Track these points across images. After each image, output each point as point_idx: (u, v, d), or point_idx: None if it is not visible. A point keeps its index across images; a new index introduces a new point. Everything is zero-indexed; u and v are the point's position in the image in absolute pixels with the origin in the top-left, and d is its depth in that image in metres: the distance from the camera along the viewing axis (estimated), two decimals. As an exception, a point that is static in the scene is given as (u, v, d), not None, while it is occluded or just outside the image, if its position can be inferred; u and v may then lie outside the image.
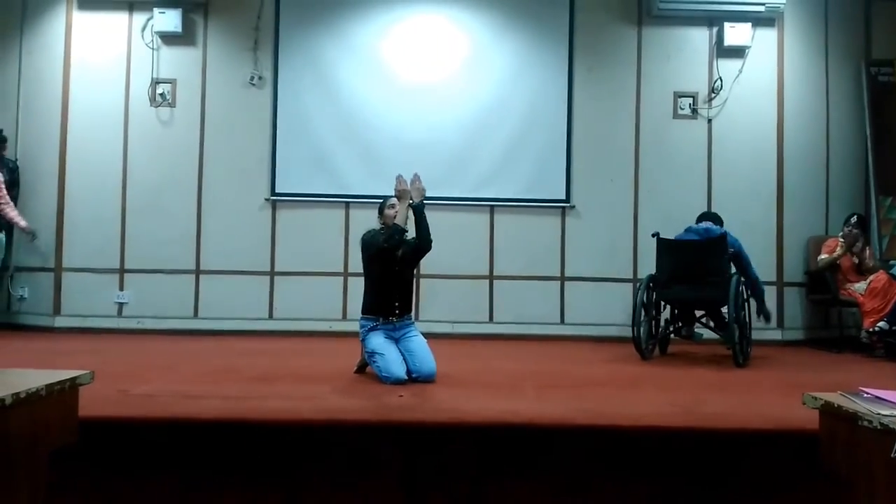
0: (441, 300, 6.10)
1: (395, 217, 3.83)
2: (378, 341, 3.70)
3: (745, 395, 3.49)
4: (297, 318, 6.02)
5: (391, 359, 3.62)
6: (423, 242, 3.85)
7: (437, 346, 5.21)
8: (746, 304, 4.80)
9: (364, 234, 3.92)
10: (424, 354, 3.71)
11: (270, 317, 6.11)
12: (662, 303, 5.03)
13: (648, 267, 5.71)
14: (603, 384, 3.77)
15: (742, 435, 2.72)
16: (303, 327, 5.96)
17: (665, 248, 4.88)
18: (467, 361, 4.61)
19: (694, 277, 4.72)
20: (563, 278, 6.23)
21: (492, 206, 6.23)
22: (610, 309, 6.15)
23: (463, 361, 4.60)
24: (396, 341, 3.75)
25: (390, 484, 2.64)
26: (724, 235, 4.73)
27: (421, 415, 2.83)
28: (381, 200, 4.05)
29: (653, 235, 4.97)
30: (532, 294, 6.19)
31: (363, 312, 3.84)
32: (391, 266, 3.78)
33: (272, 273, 6.14)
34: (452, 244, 6.13)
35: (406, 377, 3.58)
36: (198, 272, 6.10)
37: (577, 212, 6.24)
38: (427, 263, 6.11)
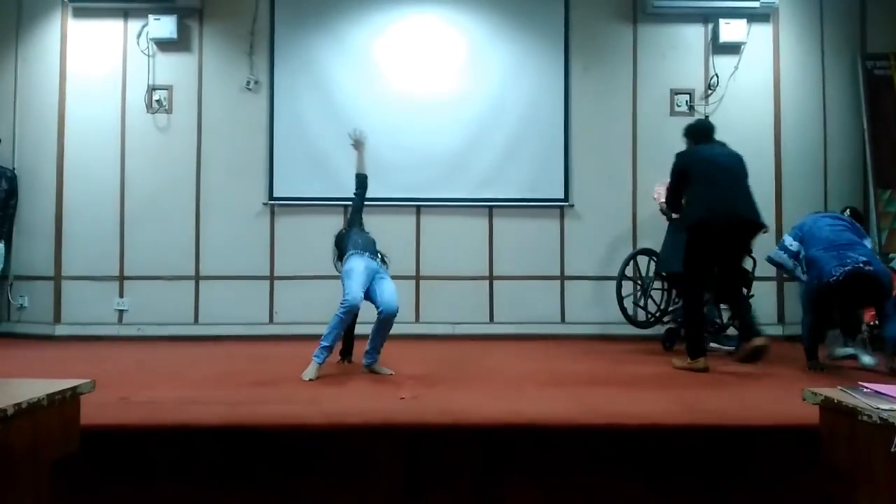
0: (441, 302, 6.11)
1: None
2: (356, 263, 3.95)
3: (745, 392, 3.49)
4: (297, 322, 6.02)
5: (357, 281, 3.85)
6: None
7: (438, 348, 5.26)
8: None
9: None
10: (392, 294, 3.97)
11: (271, 321, 6.12)
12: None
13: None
14: (604, 383, 3.76)
15: (744, 431, 2.72)
16: (303, 331, 5.94)
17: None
18: (469, 362, 4.61)
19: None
20: (562, 277, 6.23)
21: (490, 207, 6.23)
22: (610, 307, 6.14)
23: (464, 362, 4.60)
24: (372, 278, 4.00)
25: (393, 486, 2.64)
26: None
27: (423, 416, 2.82)
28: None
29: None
30: (532, 294, 6.19)
31: (348, 250, 4.08)
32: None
33: (272, 277, 6.14)
34: (452, 245, 6.15)
35: (360, 300, 3.85)
36: (197, 278, 6.11)
37: (576, 211, 6.25)
38: (427, 265, 6.16)
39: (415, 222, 6.19)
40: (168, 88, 6.20)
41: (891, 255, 5.82)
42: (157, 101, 6.17)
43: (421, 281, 6.15)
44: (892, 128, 6.20)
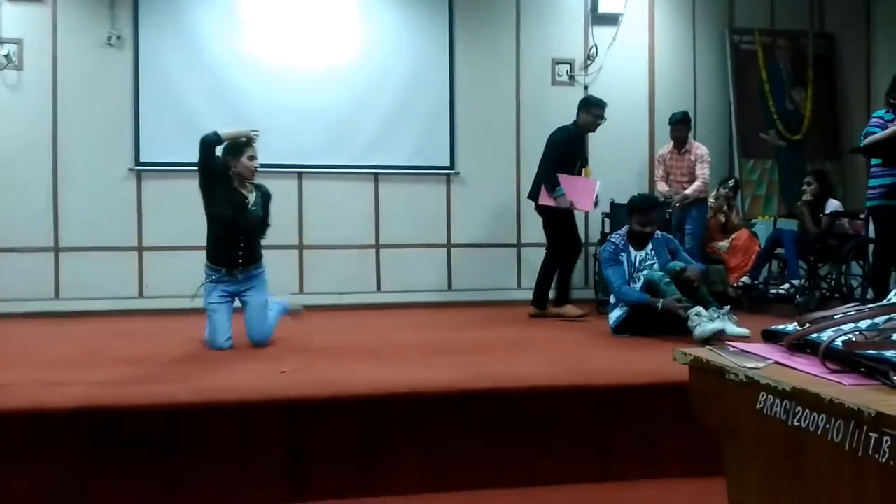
0: (327, 271, 5.97)
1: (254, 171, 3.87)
2: (213, 298, 3.68)
3: (623, 352, 3.63)
4: (169, 296, 5.68)
5: (218, 325, 3.63)
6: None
7: (324, 318, 5.13)
8: None
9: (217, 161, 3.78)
10: (257, 317, 3.71)
11: (140, 295, 5.76)
12: None
13: (532, 231, 5.83)
14: (489, 348, 3.81)
15: (620, 389, 2.84)
16: (176, 305, 5.63)
17: None
18: (354, 332, 4.55)
19: None
20: (449, 245, 6.25)
21: (376, 174, 6.12)
22: (496, 274, 6.24)
23: (350, 333, 4.53)
24: (238, 296, 3.74)
25: (274, 462, 2.56)
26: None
27: (304, 389, 2.74)
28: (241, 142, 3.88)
29: None
30: (419, 262, 6.17)
31: (207, 260, 3.75)
32: (238, 216, 3.70)
33: (140, 248, 5.77)
34: (337, 213, 6.01)
35: (229, 347, 3.63)
36: (57, 249, 5.64)
37: (462, 178, 6.25)
38: (311, 233, 5.99)
39: (297, 189, 5.97)
40: (18, 42, 5.61)
41: (753, 221, 6.23)
42: (5, 55, 5.58)
43: (305, 250, 5.97)
44: (755, 101, 6.59)
